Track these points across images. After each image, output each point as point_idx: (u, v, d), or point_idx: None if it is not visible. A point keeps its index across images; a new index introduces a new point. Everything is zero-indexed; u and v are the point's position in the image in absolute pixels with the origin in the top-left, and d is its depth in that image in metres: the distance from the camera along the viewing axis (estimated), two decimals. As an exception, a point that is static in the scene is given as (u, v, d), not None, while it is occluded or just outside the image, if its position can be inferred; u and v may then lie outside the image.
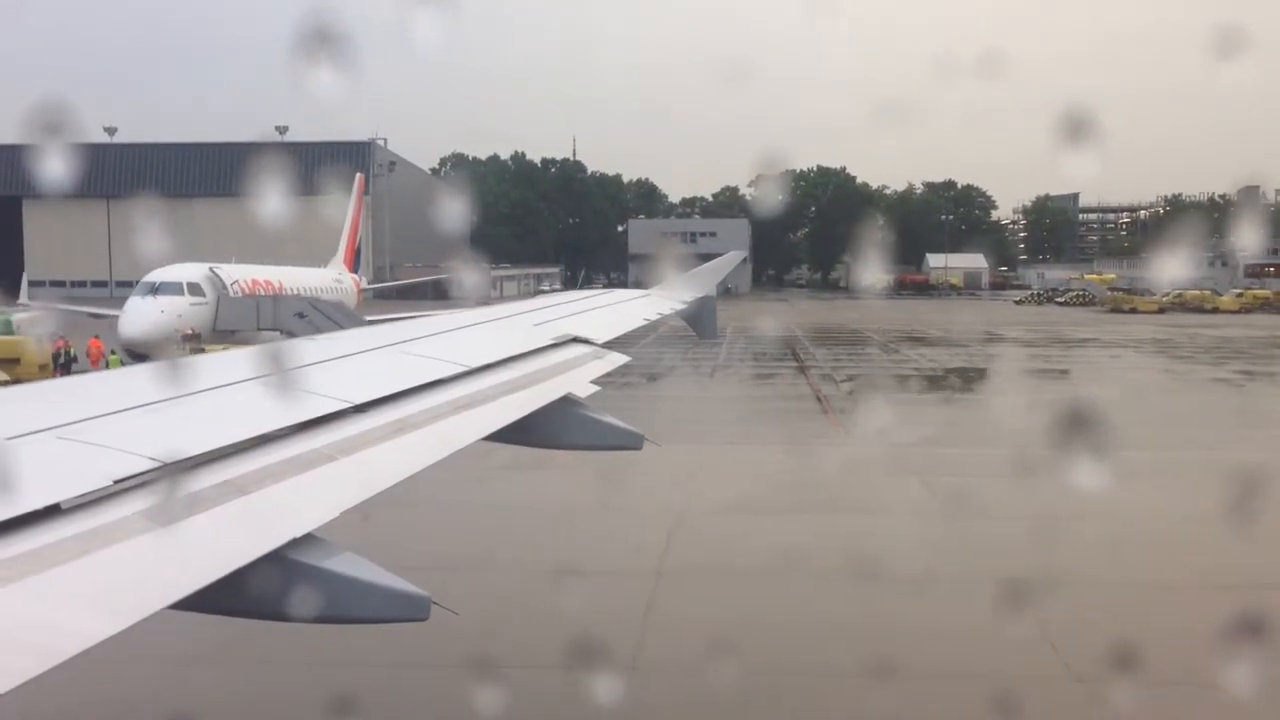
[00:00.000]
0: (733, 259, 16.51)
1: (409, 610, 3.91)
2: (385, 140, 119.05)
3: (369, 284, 69.20)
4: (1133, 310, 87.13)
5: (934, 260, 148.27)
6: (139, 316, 36.44)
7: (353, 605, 3.85)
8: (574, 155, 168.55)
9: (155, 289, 37.89)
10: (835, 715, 10.61)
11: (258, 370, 5.43)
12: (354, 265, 65.09)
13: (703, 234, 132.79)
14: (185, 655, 10.55)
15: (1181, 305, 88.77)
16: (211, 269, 41.56)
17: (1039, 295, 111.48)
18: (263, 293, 43.08)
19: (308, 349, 6.44)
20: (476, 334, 8.46)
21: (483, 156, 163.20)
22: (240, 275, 43.35)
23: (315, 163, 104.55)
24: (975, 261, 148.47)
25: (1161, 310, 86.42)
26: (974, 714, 10.42)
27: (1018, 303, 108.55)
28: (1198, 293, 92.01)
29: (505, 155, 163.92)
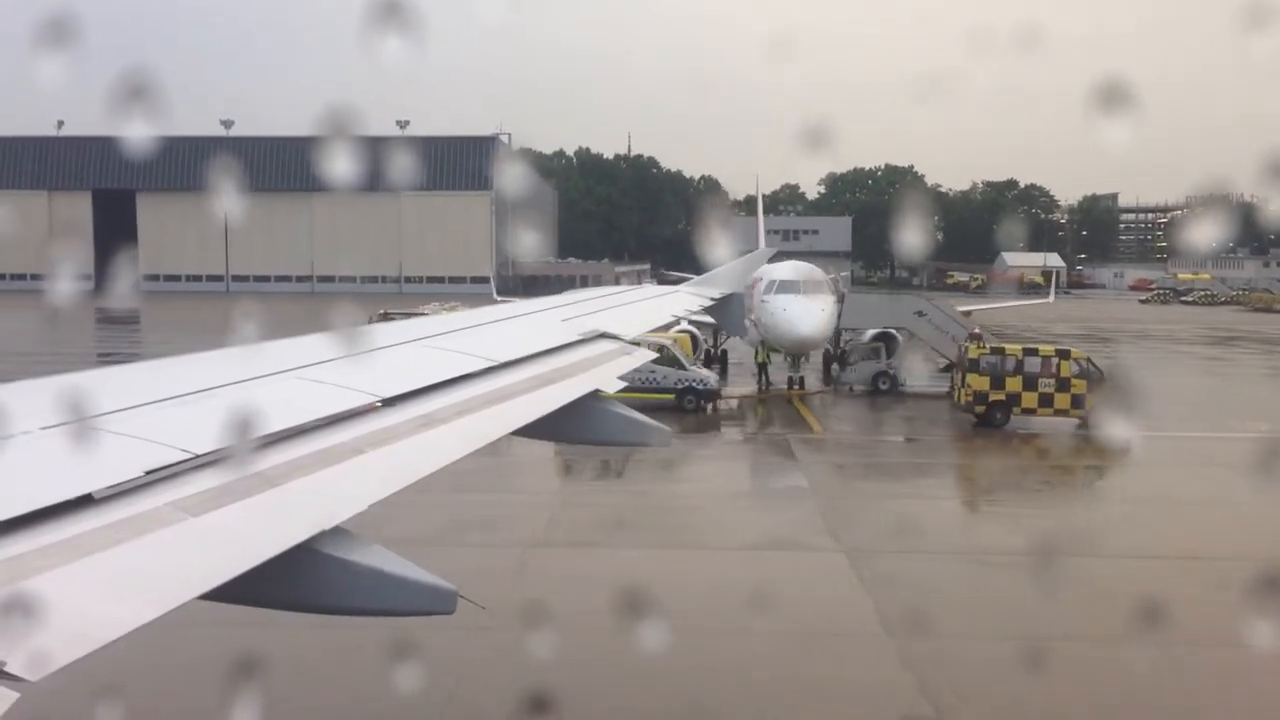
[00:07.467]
0: (760, 256, 16.56)
1: (436, 603, 3.92)
2: (509, 136, 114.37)
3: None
4: None
5: (1010, 258, 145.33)
6: (808, 317, 34.35)
7: (380, 598, 3.87)
8: (629, 151, 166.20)
9: (798, 288, 35.57)
10: None
11: (292, 364, 5.46)
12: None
13: (805, 231, 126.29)
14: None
15: None
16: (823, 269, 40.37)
17: (1164, 294, 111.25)
18: None
19: (333, 344, 6.45)
20: (505, 329, 8.46)
21: (547, 152, 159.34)
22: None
23: (439, 158, 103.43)
24: (1052, 260, 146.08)
25: None
26: None
27: (1143, 302, 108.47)
28: None
29: (568, 152, 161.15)
